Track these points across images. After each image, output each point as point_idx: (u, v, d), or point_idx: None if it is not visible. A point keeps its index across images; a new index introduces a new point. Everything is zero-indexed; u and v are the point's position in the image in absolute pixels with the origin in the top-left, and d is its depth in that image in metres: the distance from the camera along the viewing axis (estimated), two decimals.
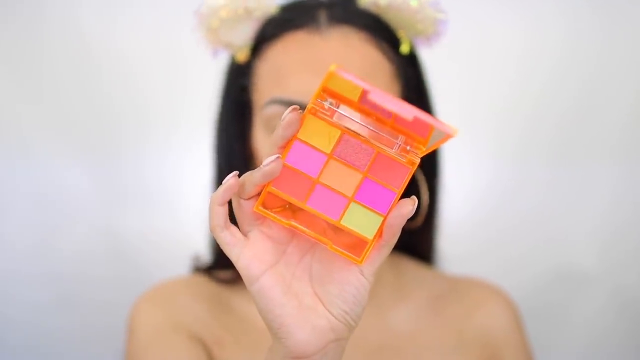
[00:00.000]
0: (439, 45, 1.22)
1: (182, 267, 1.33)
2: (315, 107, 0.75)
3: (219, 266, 1.26)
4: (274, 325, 0.75)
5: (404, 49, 1.17)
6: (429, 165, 1.26)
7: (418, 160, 0.76)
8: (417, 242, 1.33)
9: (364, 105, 0.74)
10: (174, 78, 1.69)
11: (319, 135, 0.75)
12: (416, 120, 0.69)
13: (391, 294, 1.26)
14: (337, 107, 0.75)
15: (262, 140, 1.14)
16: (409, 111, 0.68)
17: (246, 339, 1.18)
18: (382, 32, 1.15)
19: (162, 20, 1.66)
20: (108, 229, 1.69)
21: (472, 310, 1.27)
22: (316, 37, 1.13)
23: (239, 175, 0.75)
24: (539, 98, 1.71)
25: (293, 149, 0.75)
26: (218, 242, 0.76)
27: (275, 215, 0.75)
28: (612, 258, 1.72)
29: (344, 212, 0.75)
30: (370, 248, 0.75)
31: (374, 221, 0.75)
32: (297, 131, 0.74)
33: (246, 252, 0.75)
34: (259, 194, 0.75)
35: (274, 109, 1.10)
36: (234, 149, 1.22)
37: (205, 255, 1.30)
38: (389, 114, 0.74)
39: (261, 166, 0.73)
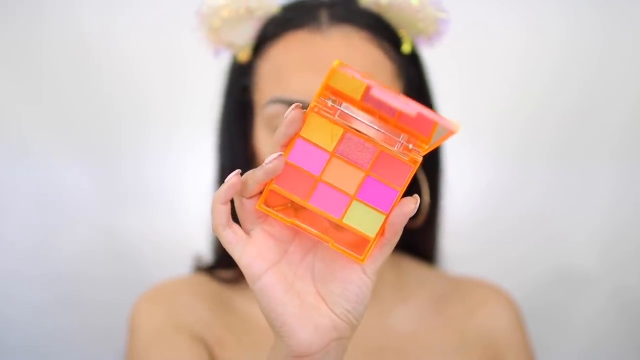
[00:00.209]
0: (440, 45, 1.22)
1: (182, 267, 1.33)
2: (318, 105, 0.75)
3: (221, 265, 1.26)
4: (276, 324, 0.75)
5: (406, 48, 1.17)
6: (431, 165, 1.26)
7: (420, 159, 0.76)
8: (419, 241, 1.33)
9: (366, 103, 0.74)
10: (174, 78, 1.69)
11: (321, 133, 0.75)
12: (419, 116, 0.69)
13: (392, 294, 1.26)
14: (340, 105, 0.75)
15: (264, 140, 1.14)
16: (412, 107, 0.68)
17: (248, 338, 1.17)
18: (383, 31, 1.15)
19: (162, 20, 1.65)
20: (108, 229, 1.69)
21: (474, 311, 1.27)
22: (317, 36, 1.13)
23: (241, 174, 0.75)
24: (540, 98, 1.71)
25: (295, 146, 0.75)
26: (220, 241, 0.76)
27: (277, 213, 0.75)
28: (613, 259, 1.72)
29: (346, 210, 0.75)
30: (372, 246, 0.75)
31: (376, 219, 0.75)
32: (300, 129, 0.74)
33: (248, 251, 0.75)
34: (261, 192, 0.75)
35: (275, 108, 1.10)
36: (236, 149, 1.22)
37: (207, 254, 1.30)
38: (392, 112, 0.74)
39: (263, 164, 0.73)
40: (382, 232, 0.75)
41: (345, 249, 0.75)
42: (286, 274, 0.76)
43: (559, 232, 1.74)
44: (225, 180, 0.74)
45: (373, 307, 1.21)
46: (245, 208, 0.76)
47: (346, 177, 0.75)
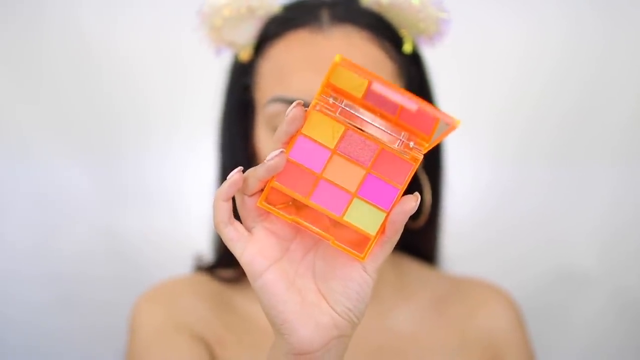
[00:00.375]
0: (441, 45, 1.22)
1: (182, 267, 1.33)
2: (319, 102, 0.75)
3: (221, 265, 1.26)
4: (277, 321, 0.75)
5: (407, 48, 1.17)
6: (432, 165, 1.27)
7: (421, 157, 0.76)
8: (420, 242, 1.33)
9: (368, 101, 0.74)
10: (174, 78, 1.69)
11: (323, 131, 0.75)
12: (420, 112, 0.69)
13: (393, 294, 1.26)
14: (341, 103, 0.75)
15: (265, 139, 1.14)
16: (413, 102, 0.68)
17: (248, 338, 1.17)
18: (384, 31, 1.15)
19: (163, 20, 1.66)
20: (108, 229, 1.69)
21: (475, 311, 1.27)
22: (318, 36, 1.13)
23: (243, 172, 0.75)
24: (540, 98, 1.72)
25: (297, 144, 0.75)
26: (222, 238, 0.76)
27: (279, 211, 0.75)
28: (613, 259, 1.72)
29: (347, 207, 0.75)
30: (373, 244, 0.75)
31: (377, 217, 0.75)
32: (302, 127, 0.74)
33: (250, 248, 0.75)
34: (262, 190, 0.75)
35: (276, 107, 1.10)
36: (237, 148, 1.22)
37: (207, 254, 1.30)
38: (393, 110, 0.74)
39: (265, 161, 0.73)
40: (382, 230, 0.75)
41: (346, 247, 0.75)
42: (287, 271, 0.76)
43: (559, 232, 1.74)
44: (227, 178, 0.74)
45: (373, 308, 1.21)
46: (247, 206, 0.76)
47: (347, 175, 0.75)
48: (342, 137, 0.76)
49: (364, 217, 0.75)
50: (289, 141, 0.75)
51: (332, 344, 0.76)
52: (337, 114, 0.75)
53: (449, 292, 1.30)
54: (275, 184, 0.74)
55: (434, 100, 1.24)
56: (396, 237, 0.75)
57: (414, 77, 1.18)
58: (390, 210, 0.75)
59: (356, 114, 0.76)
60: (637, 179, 1.71)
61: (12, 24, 1.64)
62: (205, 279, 1.25)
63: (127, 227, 1.69)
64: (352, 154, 0.76)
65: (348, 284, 0.76)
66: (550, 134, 1.73)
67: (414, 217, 1.18)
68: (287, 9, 1.19)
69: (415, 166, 0.76)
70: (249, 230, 0.76)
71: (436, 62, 1.25)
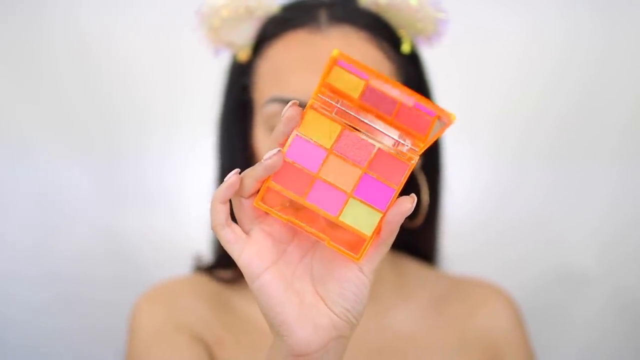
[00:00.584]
0: (439, 46, 1.22)
1: (182, 267, 1.33)
2: (316, 102, 0.75)
3: (220, 265, 1.26)
4: (275, 323, 0.75)
5: (405, 48, 1.17)
6: (431, 165, 1.27)
7: (417, 157, 0.76)
8: (418, 241, 1.33)
9: (364, 102, 0.74)
10: (174, 78, 1.69)
11: (319, 131, 0.75)
12: (416, 110, 0.70)
13: (392, 294, 1.26)
14: (338, 103, 0.75)
15: (263, 139, 1.14)
16: (410, 96, 0.69)
17: (247, 338, 1.17)
18: (382, 31, 1.16)
19: (163, 20, 1.66)
20: (108, 229, 1.69)
21: (474, 311, 1.27)
22: (317, 36, 1.13)
23: (240, 173, 0.75)
24: (539, 99, 1.72)
25: (293, 144, 0.75)
26: (219, 240, 0.76)
27: (275, 211, 0.75)
28: (612, 259, 1.72)
29: (343, 208, 0.75)
30: (368, 245, 0.75)
31: (373, 218, 0.75)
32: (298, 126, 0.74)
33: (247, 250, 0.75)
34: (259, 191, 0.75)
35: (274, 107, 1.10)
36: (236, 148, 1.22)
37: (207, 254, 1.30)
38: (390, 111, 0.74)
39: (262, 160, 0.73)
40: (378, 230, 0.75)
41: (342, 248, 0.75)
42: (285, 273, 0.76)
43: (558, 232, 1.74)
44: (225, 180, 0.74)
45: (372, 307, 1.21)
46: (244, 207, 0.76)
47: (343, 175, 0.75)
48: (338, 137, 0.75)
49: (360, 218, 0.75)
50: (286, 141, 0.75)
51: (331, 345, 0.76)
52: (334, 114, 0.75)
53: (448, 291, 1.29)
54: (272, 183, 0.74)
55: (433, 100, 1.24)
56: (391, 239, 0.75)
57: (412, 77, 1.18)
58: (386, 211, 0.75)
59: (353, 113, 0.76)
60: (636, 180, 1.71)
61: (12, 24, 1.64)
62: (204, 280, 1.25)
63: (127, 227, 1.69)
64: (348, 154, 0.76)
65: (345, 285, 0.76)
66: (549, 134, 1.73)
67: (411, 217, 1.17)
68: (285, 9, 1.19)
69: (411, 166, 0.76)
70: (246, 232, 0.76)
71: (436, 63, 1.25)
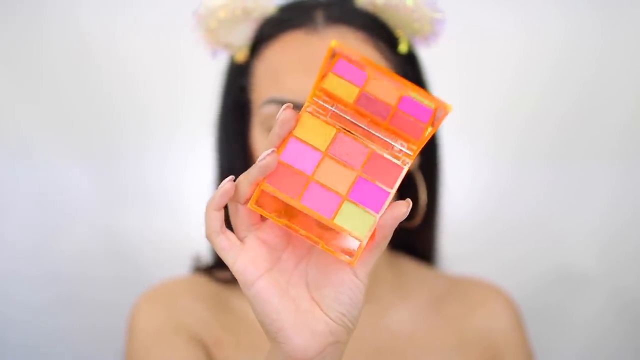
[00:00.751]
0: (438, 46, 1.22)
1: (182, 268, 1.33)
2: (311, 105, 0.75)
3: (219, 266, 1.26)
4: (271, 330, 0.74)
5: (402, 48, 1.17)
6: (429, 164, 1.27)
7: (411, 161, 0.76)
8: (417, 241, 1.33)
9: (359, 107, 0.74)
10: (175, 78, 1.69)
11: (314, 133, 0.75)
12: (411, 109, 0.71)
13: (390, 294, 1.26)
14: (333, 106, 0.75)
15: (260, 140, 1.14)
16: (407, 87, 0.70)
17: (246, 339, 1.17)
18: (379, 31, 1.16)
19: (163, 21, 1.65)
20: (108, 229, 1.69)
21: (473, 311, 1.27)
22: (313, 37, 1.13)
23: (237, 176, 0.75)
24: (539, 99, 1.71)
25: (288, 146, 0.75)
26: (214, 247, 0.75)
27: (269, 214, 0.74)
28: (612, 259, 1.72)
29: (337, 210, 0.75)
30: (363, 248, 0.75)
31: (367, 221, 0.75)
32: (293, 129, 0.74)
33: (242, 257, 0.75)
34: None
35: (271, 108, 1.10)
36: (233, 149, 1.22)
37: (206, 255, 1.30)
38: (384, 115, 0.74)
39: (257, 161, 0.73)
40: (372, 234, 0.75)
41: (336, 252, 0.74)
42: (280, 280, 0.76)
43: (558, 232, 1.74)
44: (219, 187, 0.74)
45: (371, 307, 1.21)
46: (240, 214, 0.76)
47: (338, 178, 0.75)
48: (333, 140, 0.76)
49: (354, 221, 0.74)
50: (281, 144, 0.75)
51: (328, 351, 0.76)
52: (329, 117, 0.75)
53: (447, 291, 1.29)
54: (266, 185, 0.74)
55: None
56: (386, 242, 0.75)
57: (410, 77, 1.18)
58: (381, 214, 0.74)
59: (347, 117, 0.76)
60: (636, 179, 1.71)
61: (12, 24, 1.64)
62: (203, 280, 1.25)
63: (127, 227, 1.69)
64: (343, 157, 0.76)
65: (340, 290, 0.75)
66: (549, 134, 1.72)
67: (409, 217, 1.17)
68: (282, 10, 1.19)
69: (405, 169, 0.76)
70: (241, 239, 0.76)
71: (435, 63, 1.25)
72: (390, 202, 0.75)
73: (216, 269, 1.26)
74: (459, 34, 1.50)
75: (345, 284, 0.76)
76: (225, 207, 0.75)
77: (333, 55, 0.72)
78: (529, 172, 1.73)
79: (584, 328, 1.71)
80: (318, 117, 0.75)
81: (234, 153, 1.22)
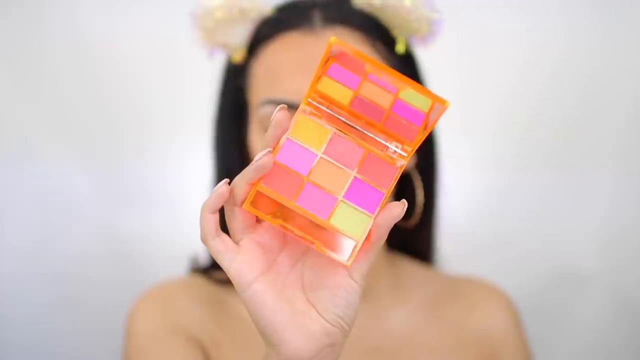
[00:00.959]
0: (439, 48, 1.22)
1: (182, 268, 1.34)
2: (307, 106, 0.75)
3: (216, 267, 1.25)
4: (267, 332, 0.74)
5: (400, 48, 1.17)
6: (426, 165, 1.26)
7: (405, 162, 0.76)
8: (415, 241, 1.33)
9: (354, 108, 0.75)
10: (175, 79, 1.69)
11: (310, 134, 0.75)
12: (406, 110, 0.72)
13: (389, 294, 1.25)
14: (328, 108, 0.75)
15: (257, 141, 1.14)
16: (406, 83, 0.71)
17: (243, 339, 1.17)
18: (376, 31, 1.16)
19: (163, 21, 1.66)
20: (108, 230, 1.69)
21: (471, 310, 1.27)
22: (311, 37, 1.13)
23: (230, 183, 0.75)
24: (539, 101, 1.71)
25: (284, 147, 0.75)
26: (209, 250, 0.75)
27: (264, 214, 0.74)
28: (612, 260, 1.72)
29: (333, 211, 0.74)
30: (358, 249, 0.74)
31: (362, 221, 0.74)
32: (288, 129, 0.74)
33: (237, 260, 0.74)
34: None
35: (268, 109, 1.10)
36: (232, 150, 1.22)
37: (203, 256, 1.30)
38: (379, 117, 0.75)
39: (253, 161, 0.73)
40: (368, 235, 0.74)
41: (331, 253, 0.74)
42: (275, 282, 0.76)
43: (558, 233, 1.74)
44: (214, 190, 0.74)
45: (369, 308, 1.21)
46: (235, 217, 0.75)
47: (333, 179, 0.75)
48: (328, 141, 0.76)
49: (350, 221, 0.74)
50: (276, 145, 0.75)
51: (324, 353, 0.75)
52: (324, 118, 0.76)
53: (445, 291, 1.29)
54: (262, 186, 0.74)
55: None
56: (381, 243, 0.75)
57: (407, 77, 1.17)
58: (376, 215, 0.74)
59: (342, 118, 0.76)
60: (636, 181, 1.71)
61: (12, 24, 1.64)
62: (200, 281, 1.25)
63: (127, 227, 1.69)
64: (338, 158, 0.76)
65: (335, 292, 0.75)
66: (549, 135, 1.72)
67: (406, 217, 1.17)
68: (279, 10, 1.19)
69: (400, 170, 0.76)
70: (236, 242, 0.76)
71: (436, 65, 1.25)
72: (386, 203, 0.75)
73: (213, 269, 1.26)
74: (460, 36, 1.51)
75: (341, 286, 0.75)
76: (221, 210, 0.75)
77: (331, 50, 0.71)
78: (529, 173, 1.73)
79: (584, 328, 1.71)
80: (313, 119, 0.75)
81: (232, 154, 1.22)
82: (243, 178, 0.74)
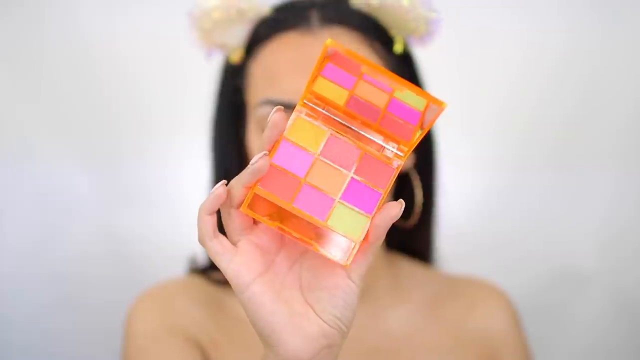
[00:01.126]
0: (439, 48, 1.22)
1: (182, 268, 1.34)
2: (303, 107, 0.75)
3: (215, 267, 1.25)
4: (265, 333, 0.74)
5: (398, 48, 1.17)
6: (425, 164, 1.26)
7: (402, 162, 0.76)
8: (414, 241, 1.33)
9: (350, 109, 0.75)
10: (175, 79, 1.69)
11: (306, 136, 0.75)
12: (402, 110, 0.72)
13: (388, 294, 1.25)
14: (324, 108, 0.75)
15: (255, 142, 1.14)
16: (402, 84, 0.71)
17: (241, 340, 1.17)
18: (374, 31, 1.16)
19: (163, 21, 1.65)
20: (108, 230, 1.69)
21: (470, 310, 1.27)
22: (308, 37, 1.13)
23: (227, 184, 0.75)
24: (539, 101, 1.71)
25: (280, 148, 0.75)
26: (207, 252, 0.75)
27: (261, 217, 0.74)
28: (611, 260, 1.72)
29: (331, 212, 0.74)
30: (356, 249, 0.74)
31: (360, 222, 0.74)
32: (284, 131, 0.74)
33: (235, 261, 0.74)
34: None
35: (266, 109, 1.10)
36: (229, 150, 1.22)
37: (202, 256, 1.30)
38: (374, 117, 0.75)
39: (249, 165, 0.72)
40: (366, 235, 0.74)
41: (329, 253, 0.74)
42: (273, 283, 0.75)
43: (558, 233, 1.74)
44: (211, 191, 0.74)
45: (368, 308, 1.21)
46: (233, 219, 0.75)
47: (330, 180, 0.75)
48: (325, 142, 0.76)
49: (347, 222, 0.74)
50: (273, 146, 0.74)
51: (322, 355, 0.75)
52: (320, 119, 0.75)
53: (444, 291, 1.29)
54: (259, 189, 0.74)
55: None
56: (379, 243, 0.75)
57: (406, 77, 1.17)
58: (374, 215, 0.74)
59: (338, 119, 0.76)
60: (635, 181, 1.71)
61: (12, 24, 1.64)
62: (198, 281, 1.25)
63: (127, 227, 1.69)
64: (335, 159, 0.75)
65: (334, 293, 0.75)
66: (549, 135, 1.72)
67: (404, 217, 1.17)
68: (277, 10, 1.19)
69: (397, 170, 0.76)
70: (234, 244, 0.76)
71: (436, 66, 1.25)
72: (383, 203, 0.75)
73: (211, 270, 1.26)
74: (460, 36, 1.51)
75: (339, 287, 0.75)
76: (218, 211, 0.75)
77: (327, 52, 0.71)
78: (529, 173, 1.73)
79: (584, 328, 1.71)
80: (309, 120, 0.75)
81: (229, 154, 1.22)
82: (240, 181, 0.73)
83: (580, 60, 1.69)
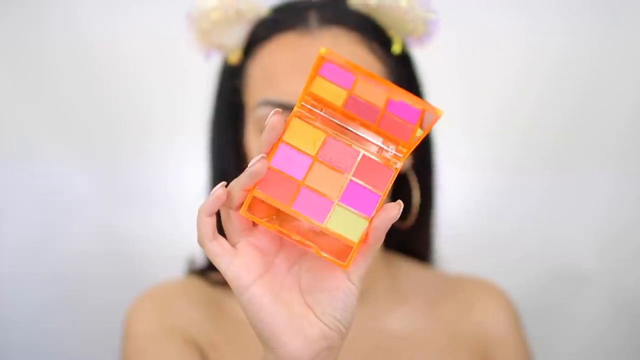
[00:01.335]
0: (438, 49, 1.22)
1: (182, 269, 1.33)
2: (300, 110, 0.75)
3: (214, 268, 1.25)
4: (265, 335, 0.74)
5: (396, 49, 1.17)
6: (423, 165, 1.26)
7: (401, 163, 0.76)
8: (413, 241, 1.33)
9: (348, 110, 0.74)
10: (175, 79, 1.69)
11: (304, 138, 0.75)
12: (401, 110, 0.71)
13: (386, 295, 1.25)
14: (322, 110, 0.75)
15: (253, 143, 1.14)
16: (397, 93, 0.71)
17: (240, 341, 1.17)
18: (372, 32, 1.15)
19: (163, 21, 1.65)
20: (108, 230, 1.69)
21: (468, 308, 1.27)
22: (306, 38, 1.13)
23: (227, 185, 0.75)
24: (539, 102, 1.71)
25: (278, 151, 0.74)
26: (206, 253, 0.75)
27: (261, 220, 0.74)
28: (611, 260, 1.72)
29: (329, 215, 0.74)
30: (356, 252, 0.74)
31: (359, 224, 0.74)
32: (283, 134, 0.74)
33: (235, 263, 0.74)
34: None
35: (265, 110, 1.10)
36: (228, 151, 1.22)
37: (200, 257, 1.30)
38: (373, 118, 0.74)
39: (247, 168, 0.72)
40: (365, 237, 0.74)
41: (329, 256, 0.74)
42: (273, 285, 0.75)
43: (558, 233, 1.74)
44: (211, 193, 0.74)
45: (367, 309, 1.21)
46: (232, 220, 0.75)
47: (329, 182, 0.75)
48: (323, 144, 0.75)
49: (346, 225, 0.74)
50: (271, 149, 0.74)
51: (322, 356, 0.75)
52: (318, 121, 0.75)
53: (442, 290, 1.29)
54: (257, 192, 0.74)
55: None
56: (378, 245, 0.75)
57: (404, 77, 1.17)
58: (373, 217, 0.74)
59: (336, 121, 0.76)
60: (635, 181, 1.71)
61: (12, 24, 1.64)
62: (197, 282, 1.25)
63: (127, 227, 1.69)
64: (333, 161, 0.75)
65: (333, 294, 0.75)
66: (549, 136, 1.72)
67: (402, 218, 1.17)
68: (275, 11, 1.19)
69: (395, 172, 0.76)
70: (233, 245, 0.76)
71: (435, 67, 1.25)
72: (382, 205, 0.75)
73: (210, 271, 1.26)
74: (459, 37, 1.51)
75: (339, 288, 0.75)
76: (218, 213, 0.75)
77: (322, 61, 0.71)
78: (529, 174, 1.73)
79: (583, 328, 1.71)
80: (307, 122, 0.75)
81: (228, 155, 1.22)
82: (238, 184, 0.73)
83: (579, 61, 1.69)
